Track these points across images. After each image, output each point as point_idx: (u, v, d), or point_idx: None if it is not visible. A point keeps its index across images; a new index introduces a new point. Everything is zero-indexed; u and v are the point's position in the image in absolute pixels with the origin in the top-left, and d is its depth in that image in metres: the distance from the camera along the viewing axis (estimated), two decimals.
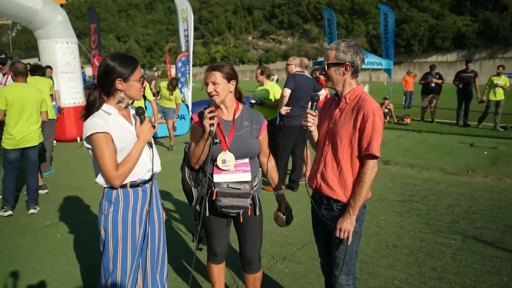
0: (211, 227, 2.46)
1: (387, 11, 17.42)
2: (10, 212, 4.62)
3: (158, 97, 8.72)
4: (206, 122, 2.17)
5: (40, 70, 6.56)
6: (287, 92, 5.28)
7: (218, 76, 2.27)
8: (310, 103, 2.21)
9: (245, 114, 2.41)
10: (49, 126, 6.42)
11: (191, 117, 2.42)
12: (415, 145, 8.89)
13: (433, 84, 12.11)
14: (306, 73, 5.64)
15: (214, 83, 2.26)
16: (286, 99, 5.31)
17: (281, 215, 2.54)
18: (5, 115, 4.44)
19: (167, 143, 8.87)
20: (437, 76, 12.25)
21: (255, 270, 2.51)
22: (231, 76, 2.31)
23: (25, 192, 4.86)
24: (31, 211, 4.72)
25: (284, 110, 5.33)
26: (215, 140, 2.23)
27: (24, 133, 4.50)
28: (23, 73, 4.63)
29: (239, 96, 2.42)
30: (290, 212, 2.55)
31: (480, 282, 3.16)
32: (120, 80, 2.06)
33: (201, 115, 2.36)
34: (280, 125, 5.50)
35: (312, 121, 2.19)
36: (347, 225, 2.09)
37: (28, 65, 6.74)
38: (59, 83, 8.92)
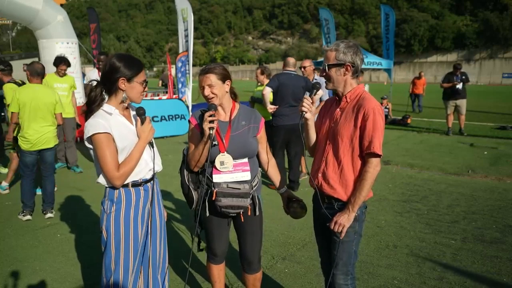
0: (210, 227, 2.46)
1: (388, 11, 17.42)
2: (29, 217, 4.52)
3: None
4: (206, 126, 2.15)
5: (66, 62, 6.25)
6: (266, 90, 5.39)
7: (212, 78, 2.25)
8: (310, 92, 2.25)
9: (242, 114, 2.40)
10: (68, 125, 6.40)
11: (189, 120, 2.40)
12: (415, 145, 8.89)
13: (460, 87, 9.76)
14: (296, 72, 5.66)
15: (210, 86, 2.24)
16: (266, 98, 5.41)
17: (295, 206, 2.43)
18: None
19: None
20: (463, 77, 9.84)
21: (255, 271, 2.51)
22: (225, 77, 2.29)
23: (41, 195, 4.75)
24: (48, 215, 4.60)
25: (270, 108, 5.42)
26: (213, 142, 2.23)
27: (39, 134, 4.43)
28: (40, 74, 4.60)
29: (234, 96, 2.41)
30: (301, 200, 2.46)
31: (480, 282, 3.16)
32: (123, 80, 2.07)
33: (199, 118, 2.35)
34: (270, 124, 5.51)
35: (307, 107, 2.17)
36: (343, 220, 2.10)
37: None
38: None
